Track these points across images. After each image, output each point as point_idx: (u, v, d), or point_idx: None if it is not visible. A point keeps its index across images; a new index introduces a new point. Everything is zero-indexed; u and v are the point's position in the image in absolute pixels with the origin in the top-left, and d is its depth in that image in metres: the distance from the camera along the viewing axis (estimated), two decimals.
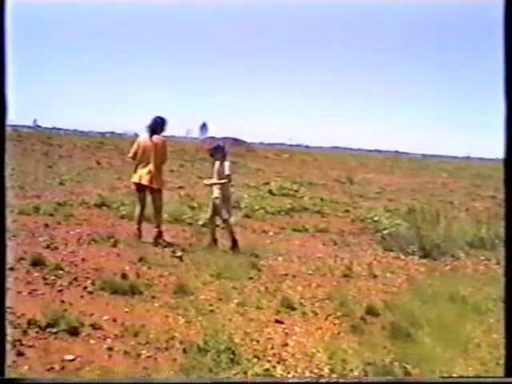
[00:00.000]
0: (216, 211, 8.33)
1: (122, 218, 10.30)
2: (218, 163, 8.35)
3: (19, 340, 4.22)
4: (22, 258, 6.52)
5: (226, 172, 8.23)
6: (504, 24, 2.62)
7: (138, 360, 4.15)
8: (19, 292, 5.39)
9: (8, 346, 4.04)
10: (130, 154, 8.53)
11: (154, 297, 5.74)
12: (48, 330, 4.45)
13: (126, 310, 5.25)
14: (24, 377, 3.55)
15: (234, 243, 8.30)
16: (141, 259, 7.11)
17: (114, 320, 4.90)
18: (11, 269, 6.09)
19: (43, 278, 5.94)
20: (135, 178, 8.37)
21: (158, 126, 8.42)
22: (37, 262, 6.37)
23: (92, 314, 4.94)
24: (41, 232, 8.24)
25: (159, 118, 8.48)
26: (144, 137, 8.39)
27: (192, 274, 6.75)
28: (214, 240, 8.46)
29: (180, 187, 16.71)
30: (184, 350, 4.34)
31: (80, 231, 8.65)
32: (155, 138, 8.29)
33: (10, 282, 5.60)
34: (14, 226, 8.44)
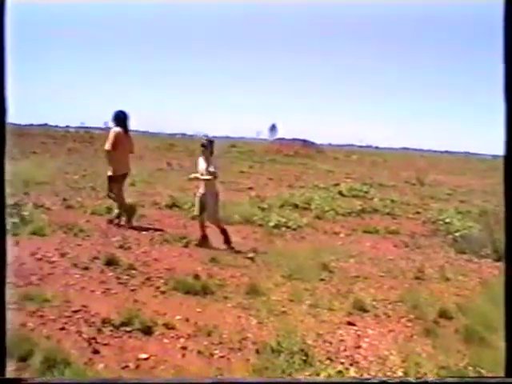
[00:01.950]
0: (203, 207, 8.34)
1: (193, 218, 10.51)
2: (204, 158, 8.34)
3: (94, 338, 4.43)
4: (95, 258, 6.83)
5: (212, 168, 8.21)
6: (504, 24, 2.59)
7: (211, 360, 4.27)
8: (93, 291, 5.65)
9: (83, 344, 4.28)
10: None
11: (226, 297, 5.89)
12: (122, 328, 4.65)
13: (199, 310, 5.40)
14: (24, 377, 3.69)
15: (227, 239, 8.28)
16: (212, 259, 7.29)
17: (187, 320, 5.05)
18: (85, 268, 6.40)
19: (116, 278, 6.20)
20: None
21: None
22: (110, 262, 6.65)
23: (165, 314, 5.11)
24: (114, 232, 8.55)
25: None
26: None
27: (263, 274, 6.85)
28: (204, 237, 8.43)
29: (250, 188, 16.91)
30: (257, 351, 4.43)
31: (152, 231, 8.91)
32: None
33: (84, 281, 5.92)
34: (88, 226, 8.82)
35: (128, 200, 10.86)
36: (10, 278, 5.72)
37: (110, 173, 9.37)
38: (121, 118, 9.48)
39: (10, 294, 5.19)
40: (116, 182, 9.38)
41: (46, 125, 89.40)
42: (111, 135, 9.35)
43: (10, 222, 8.10)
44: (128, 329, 4.65)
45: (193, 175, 8.36)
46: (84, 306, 5.09)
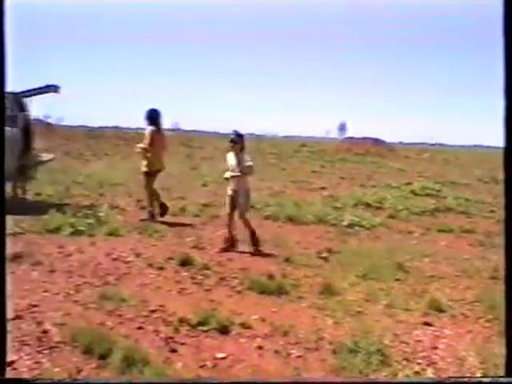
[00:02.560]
0: (234, 206, 8.02)
1: (267, 218, 10.62)
2: (234, 154, 8.01)
3: (171, 337, 4.52)
4: (170, 258, 6.97)
5: (248, 163, 7.89)
6: (504, 23, 2.48)
7: (288, 359, 4.28)
8: (169, 291, 5.77)
9: (161, 343, 4.38)
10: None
11: (300, 297, 5.89)
12: (199, 328, 4.73)
13: (274, 309, 5.43)
14: (24, 377, 3.76)
15: (255, 241, 7.98)
16: (287, 259, 7.31)
17: (263, 319, 5.09)
18: (161, 268, 6.55)
19: (191, 278, 6.31)
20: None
21: None
22: (185, 262, 6.78)
23: (241, 314, 5.16)
24: (187, 232, 8.71)
25: None
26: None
27: (338, 274, 6.82)
28: (228, 240, 8.04)
29: (322, 188, 16.86)
30: (333, 351, 4.42)
31: (225, 232, 9.00)
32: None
33: (160, 280, 6.06)
34: (162, 226, 9.02)
35: (200, 200, 11.04)
36: (87, 277, 5.97)
37: (145, 169, 9.84)
38: (153, 117, 9.87)
39: (87, 293, 5.42)
40: (150, 177, 9.87)
41: (117, 127, 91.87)
42: (147, 134, 9.75)
43: (85, 222, 8.39)
44: (205, 328, 4.72)
45: (228, 174, 7.97)
46: (161, 306, 5.21)
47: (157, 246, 7.73)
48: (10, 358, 3.88)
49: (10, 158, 9.44)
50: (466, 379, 4.01)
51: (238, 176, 7.85)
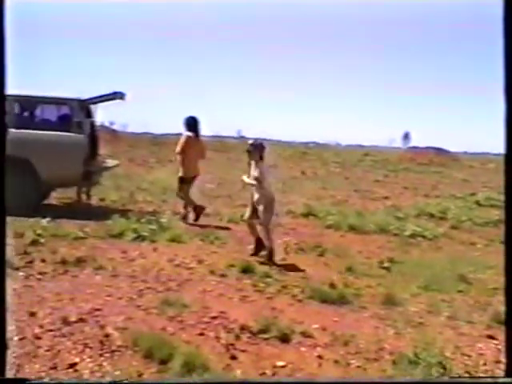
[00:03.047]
0: (256, 215, 7.82)
1: (329, 227, 10.58)
2: (254, 163, 7.85)
3: (232, 344, 4.56)
4: (232, 265, 7.03)
5: (260, 174, 7.65)
6: (504, 23, 2.54)
7: (347, 369, 4.26)
8: (231, 298, 5.83)
9: (221, 350, 4.42)
10: None
11: (362, 307, 5.86)
12: (260, 335, 4.75)
13: (335, 319, 5.41)
14: (25, 377, 3.80)
15: (269, 255, 7.68)
16: (349, 269, 7.27)
17: (324, 329, 5.07)
18: (222, 275, 6.62)
19: (253, 285, 6.35)
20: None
21: None
22: (246, 269, 6.83)
23: (302, 322, 5.16)
24: (249, 240, 8.75)
25: None
26: None
27: (400, 285, 6.74)
28: (259, 245, 7.92)
29: (385, 197, 16.69)
30: (393, 362, 4.37)
31: (287, 240, 9.03)
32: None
33: (221, 287, 6.12)
34: (224, 233, 9.11)
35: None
36: (149, 283, 6.08)
37: (180, 174, 10.19)
38: (191, 124, 10.21)
39: (150, 298, 5.52)
40: (185, 183, 10.22)
41: (180, 134, 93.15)
42: (182, 140, 10.15)
43: (148, 228, 8.56)
44: (265, 336, 4.74)
45: (244, 178, 7.96)
46: (222, 313, 5.26)
47: (218, 253, 7.81)
48: (72, 359, 4.01)
49: (76, 163, 9.73)
50: (466, 379, 4.06)
51: (255, 185, 7.71)
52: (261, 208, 7.68)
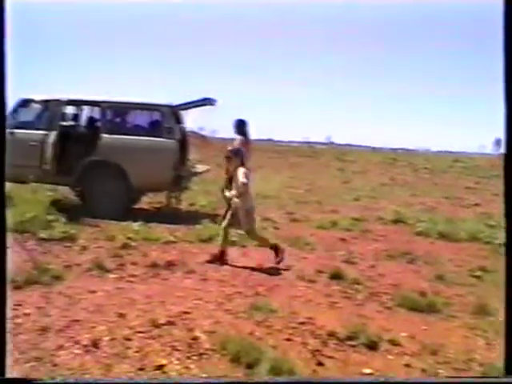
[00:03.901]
0: (236, 222, 7.50)
1: (419, 234, 10.36)
2: (233, 169, 7.52)
3: (319, 350, 4.53)
4: (320, 271, 7.00)
5: (242, 180, 7.28)
6: (504, 24, 2.58)
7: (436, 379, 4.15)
8: (319, 304, 5.80)
9: (308, 355, 4.40)
10: None
11: (452, 316, 5.68)
12: (347, 342, 4.70)
13: (424, 327, 5.28)
14: (25, 377, 3.78)
15: (277, 255, 7.47)
16: (438, 277, 7.09)
17: (412, 337, 4.96)
18: (311, 281, 6.60)
19: (342, 292, 6.29)
20: None
21: None
22: (335, 276, 6.78)
23: (390, 330, 5.07)
24: (338, 246, 8.71)
25: None
26: None
27: (491, 294, 6.48)
28: (222, 253, 7.47)
29: (476, 204, 16.14)
30: (483, 373, 4.23)
31: (377, 246, 8.92)
32: None
33: (310, 293, 6.10)
34: (313, 239, 9.09)
35: (352, 214, 10.99)
36: (238, 287, 6.13)
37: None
38: (240, 127, 9.99)
39: (238, 303, 5.57)
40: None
41: (270, 140, 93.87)
42: (234, 143, 9.90)
43: (238, 233, 8.64)
44: (353, 343, 4.68)
45: (226, 193, 7.61)
46: (309, 318, 5.24)
47: (307, 259, 7.79)
48: (160, 361, 4.11)
49: (166, 168, 9.96)
50: (466, 379, 4.02)
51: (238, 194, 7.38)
52: (241, 214, 7.40)
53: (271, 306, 5.46)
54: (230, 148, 7.79)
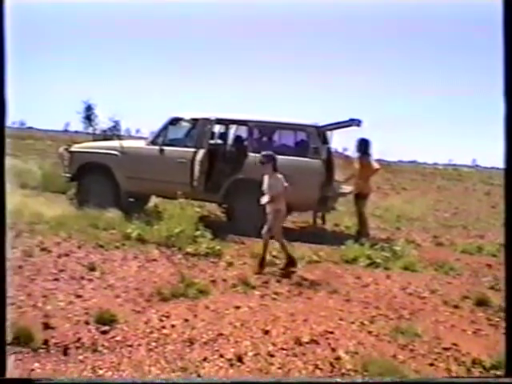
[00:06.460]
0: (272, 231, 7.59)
1: None
2: (267, 177, 7.63)
3: (462, 377, 4.39)
4: (466, 297, 6.76)
5: (279, 186, 7.49)
6: (503, 24, 2.66)
7: None
8: (464, 330, 5.61)
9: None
10: None
11: None
12: (492, 371, 4.53)
13: None
14: (24, 377, 3.70)
15: (289, 263, 7.63)
16: None
17: None
18: (455, 306, 6.39)
19: (487, 319, 6.04)
20: None
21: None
22: (481, 302, 6.52)
23: None
24: (484, 272, 8.35)
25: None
26: None
27: None
28: (263, 259, 7.58)
29: None
30: None
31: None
32: None
33: (454, 319, 5.92)
34: (458, 264, 8.76)
35: (499, 240, 10.49)
36: (381, 309, 6.08)
37: (354, 191, 10.47)
38: (362, 145, 10.29)
39: (381, 325, 5.53)
40: (359, 199, 10.36)
41: (414, 162, 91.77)
42: (356, 160, 10.41)
43: (382, 255, 8.54)
44: (498, 373, 4.49)
45: (263, 200, 7.63)
46: (454, 345, 5.09)
47: (452, 284, 7.54)
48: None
49: (312, 188, 10.01)
50: (466, 379, 4.03)
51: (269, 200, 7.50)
52: (270, 218, 7.53)
53: (415, 330, 5.37)
54: (263, 153, 7.92)
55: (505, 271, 2.66)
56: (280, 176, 7.57)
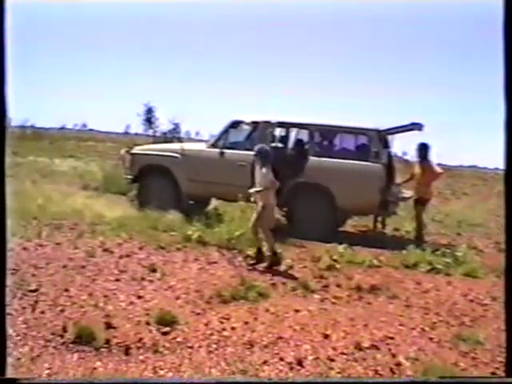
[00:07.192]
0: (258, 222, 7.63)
1: None
2: (258, 168, 7.80)
3: None
4: None
5: (270, 178, 7.58)
6: (504, 24, 2.66)
7: None
8: None
9: None
10: None
11: None
12: None
13: None
14: (24, 376, 3.63)
15: (274, 261, 7.57)
16: None
17: None
18: None
19: None
20: None
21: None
22: None
23: None
24: None
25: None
26: None
27: None
28: (260, 253, 7.73)
29: None
30: None
31: None
32: None
33: None
34: None
35: None
36: (442, 316, 5.95)
37: (415, 196, 10.24)
38: (422, 150, 10.15)
39: (442, 331, 5.40)
40: (419, 204, 10.14)
41: (475, 166, 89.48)
42: (416, 165, 10.34)
43: (443, 261, 8.36)
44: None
45: (251, 190, 7.83)
46: None
47: None
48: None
49: (373, 192, 9.89)
50: (466, 379, 3.95)
51: (258, 191, 7.60)
52: (257, 210, 7.58)
53: (477, 338, 5.23)
54: (258, 146, 8.07)
55: (505, 271, 2.59)
56: (268, 171, 7.63)
